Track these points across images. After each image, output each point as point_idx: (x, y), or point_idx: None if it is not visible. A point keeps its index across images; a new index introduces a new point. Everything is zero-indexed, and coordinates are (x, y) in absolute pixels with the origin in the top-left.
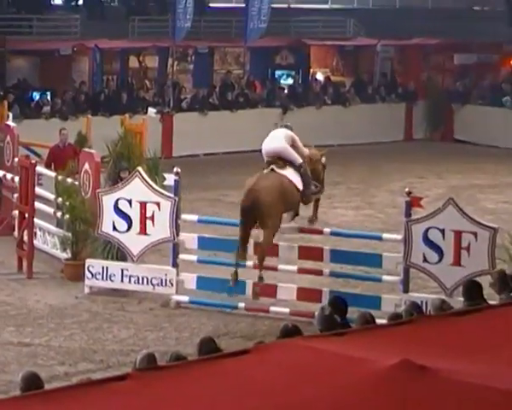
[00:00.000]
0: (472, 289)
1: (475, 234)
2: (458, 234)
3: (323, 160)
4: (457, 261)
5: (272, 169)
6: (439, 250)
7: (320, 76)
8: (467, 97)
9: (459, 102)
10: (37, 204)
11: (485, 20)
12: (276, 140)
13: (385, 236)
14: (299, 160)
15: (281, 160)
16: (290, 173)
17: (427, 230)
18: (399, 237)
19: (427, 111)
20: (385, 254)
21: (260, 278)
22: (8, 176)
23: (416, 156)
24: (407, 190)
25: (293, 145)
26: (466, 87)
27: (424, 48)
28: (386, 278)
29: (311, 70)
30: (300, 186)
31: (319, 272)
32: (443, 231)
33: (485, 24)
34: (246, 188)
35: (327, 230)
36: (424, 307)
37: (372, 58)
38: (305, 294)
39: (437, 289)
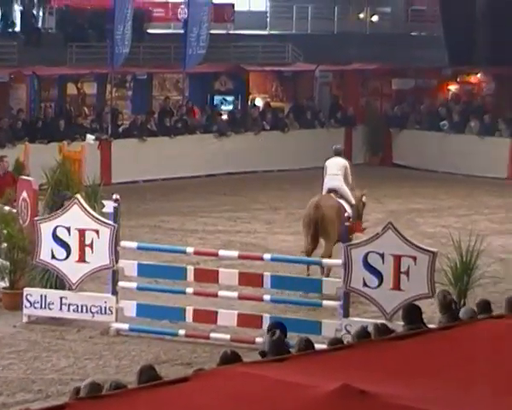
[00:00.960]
0: (411, 312)
1: (415, 258)
2: (398, 258)
3: (364, 199)
4: (397, 285)
5: (328, 194)
6: (378, 275)
7: (259, 102)
8: (405, 122)
9: (397, 127)
10: None
11: (422, 45)
12: (337, 180)
13: (325, 261)
14: (353, 201)
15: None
16: (345, 205)
17: (366, 254)
18: (339, 261)
19: (366, 136)
20: (325, 279)
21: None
22: None
23: (356, 181)
24: (346, 214)
25: (345, 173)
26: (404, 112)
27: (362, 73)
28: (326, 303)
29: (251, 96)
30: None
31: (260, 298)
32: (382, 256)
33: (423, 49)
34: (310, 204)
35: (267, 256)
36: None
37: (311, 83)
38: (246, 320)
39: (377, 313)
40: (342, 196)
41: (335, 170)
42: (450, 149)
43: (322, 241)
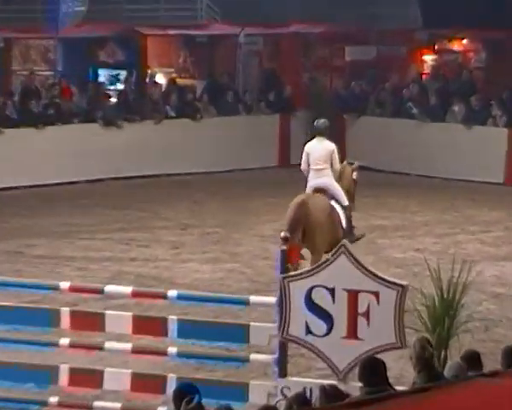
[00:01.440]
0: (372, 370)
1: (377, 294)
2: (354, 295)
3: (355, 175)
4: (353, 333)
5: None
6: (327, 318)
7: (161, 78)
8: (363, 106)
9: (353, 113)
10: None
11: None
12: (324, 176)
13: (253, 299)
14: (346, 201)
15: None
16: (338, 208)
17: (310, 289)
18: (273, 300)
19: (310, 125)
20: (253, 325)
21: None
22: None
23: (296, 188)
24: (283, 234)
25: (332, 161)
26: (362, 91)
27: (305, 38)
28: (255, 357)
29: (149, 70)
30: (344, 225)
31: (163, 352)
32: (333, 291)
33: (388, 6)
34: (295, 202)
35: (173, 292)
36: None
37: (233, 53)
38: (143, 382)
39: (326, 371)
40: (333, 197)
41: (320, 162)
42: (426, 142)
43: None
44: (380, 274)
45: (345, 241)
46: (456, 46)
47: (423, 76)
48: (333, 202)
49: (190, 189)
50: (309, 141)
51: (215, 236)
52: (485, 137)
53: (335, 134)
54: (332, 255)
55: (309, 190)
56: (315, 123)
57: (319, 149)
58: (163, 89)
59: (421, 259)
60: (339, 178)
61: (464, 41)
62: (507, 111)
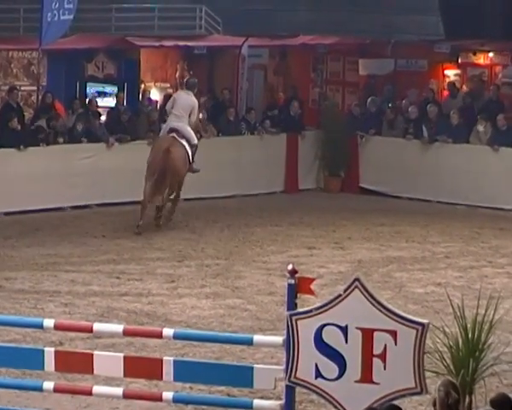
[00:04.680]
0: None
1: (394, 334)
2: (369, 334)
3: (201, 115)
4: (368, 376)
5: (173, 137)
6: (339, 359)
7: (156, 94)
8: (379, 125)
9: (368, 134)
10: None
11: (405, 8)
12: (181, 121)
13: (257, 338)
14: (195, 140)
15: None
16: (187, 146)
17: (321, 328)
18: (280, 339)
19: (321, 147)
20: (257, 367)
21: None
22: None
23: (305, 216)
24: (291, 266)
25: (191, 113)
26: (379, 110)
27: (314, 50)
28: (259, 402)
29: (143, 85)
30: (190, 160)
31: (157, 397)
32: (345, 330)
33: (406, 15)
34: (158, 149)
35: (169, 331)
36: None
37: (235, 66)
38: None
39: None
40: (184, 136)
41: (181, 110)
42: (448, 166)
43: None
44: (397, 311)
45: (359, 274)
46: (481, 59)
47: (445, 92)
48: (183, 141)
49: (187, 216)
50: (180, 91)
51: (215, 268)
52: None
53: (348, 156)
54: (344, 290)
55: (166, 130)
56: (186, 79)
57: (185, 100)
58: (159, 106)
59: (444, 294)
60: None
61: (491, 54)
62: None
